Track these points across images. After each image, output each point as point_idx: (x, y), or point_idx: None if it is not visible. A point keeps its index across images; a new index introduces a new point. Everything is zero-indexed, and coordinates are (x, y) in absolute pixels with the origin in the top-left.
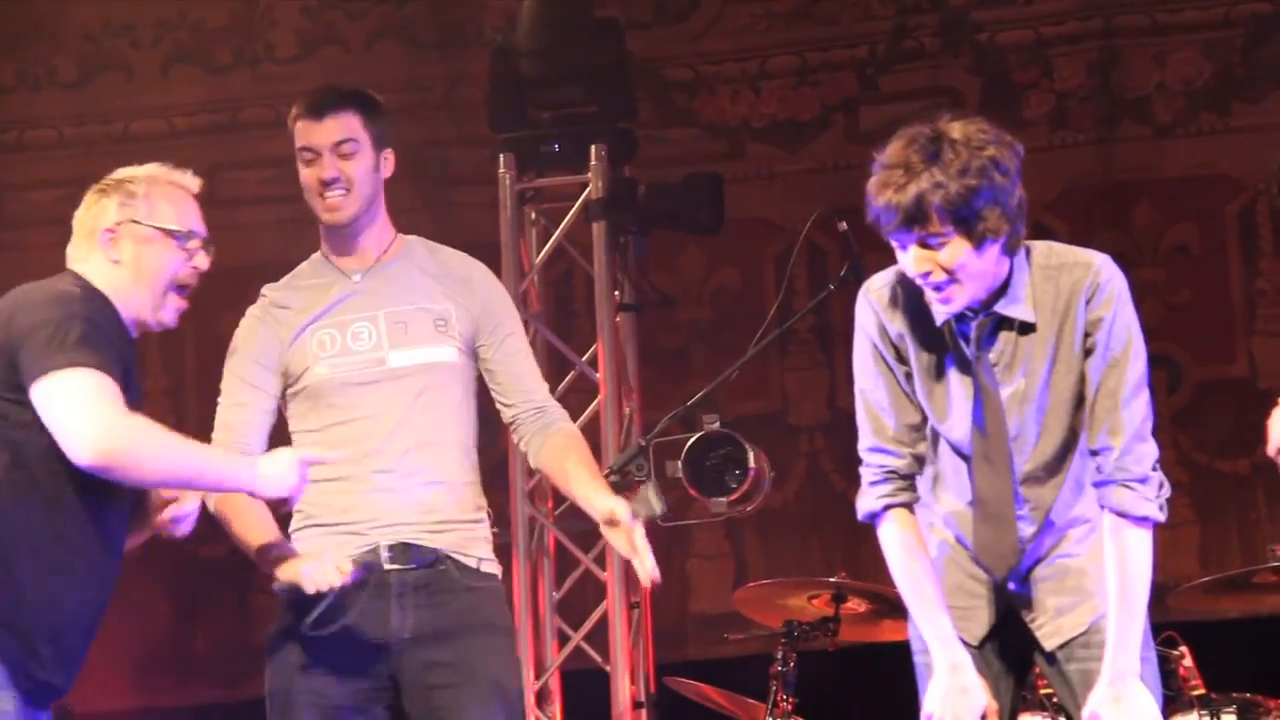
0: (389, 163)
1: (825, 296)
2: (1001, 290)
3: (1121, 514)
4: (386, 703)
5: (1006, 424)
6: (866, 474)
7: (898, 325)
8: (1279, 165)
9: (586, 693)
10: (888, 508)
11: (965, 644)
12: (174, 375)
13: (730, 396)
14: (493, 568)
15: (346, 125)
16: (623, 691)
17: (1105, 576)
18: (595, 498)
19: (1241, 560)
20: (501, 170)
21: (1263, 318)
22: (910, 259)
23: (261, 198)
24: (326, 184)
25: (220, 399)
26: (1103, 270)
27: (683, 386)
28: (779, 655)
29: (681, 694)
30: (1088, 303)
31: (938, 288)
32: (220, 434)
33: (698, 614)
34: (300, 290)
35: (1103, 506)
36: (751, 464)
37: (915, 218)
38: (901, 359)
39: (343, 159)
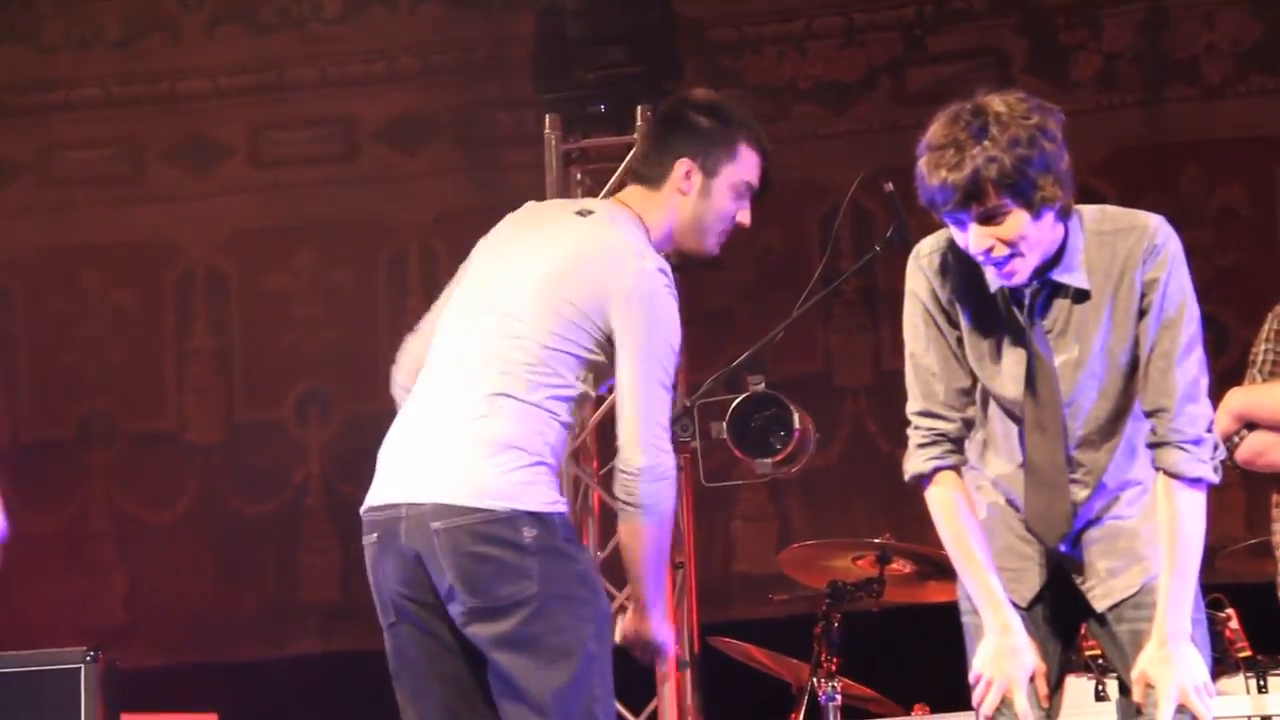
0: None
1: (870, 258)
2: (1056, 257)
3: (1175, 475)
4: None
5: (1060, 392)
6: (915, 436)
7: (949, 291)
8: None
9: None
10: (936, 470)
11: (1014, 605)
12: (221, 335)
13: (775, 358)
14: None
15: None
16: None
17: (1157, 538)
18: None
19: None
20: (547, 131)
21: None
22: (971, 237)
23: (306, 158)
24: (740, 225)
25: None
26: (1159, 232)
27: (728, 348)
28: (823, 616)
29: (726, 654)
30: (1144, 265)
31: (1000, 263)
32: None
33: (742, 574)
34: None
35: (1156, 468)
36: (796, 425)
37: (973, 194)
38: (953, 323)
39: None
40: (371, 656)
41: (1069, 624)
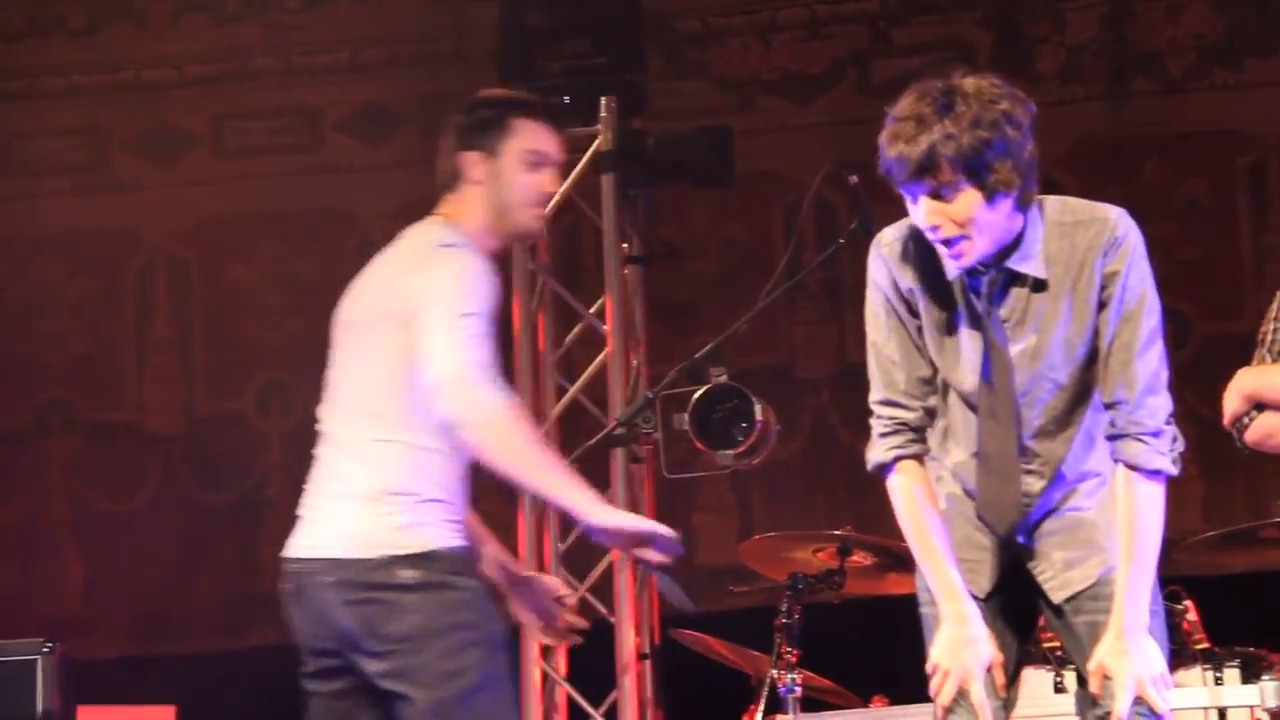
0: None
1: (834, 251)
2: (1014, 246)
3: (1134, 467)
4: None
5: (1014, 381)
6: (877, 426)
7: (909, 279)
8: None
9: (591, 644)
10: (897, 459)
11: (972, 596)
12: (183, 325)
13: (738, 350)
14: None
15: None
16: (627, 643)
17: (1115, 530)
18: None
19: (1247, 515)
20: None
21: (1272, 273)
22: (921, 211)
23: (269, 148)
24: (547, 195)
25: None
26: (1120, 224)
27: (690, 340)
28: (784, 608)
29: (686, 645)
30: (1104, 257)
31: (949, 242)
32: None
33: (703, 566)
34: None
35: (1115, 460)
36: (758, 417)
37: (926, 168)
38: (913, 312)
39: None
40: None
41: (1027, 615)
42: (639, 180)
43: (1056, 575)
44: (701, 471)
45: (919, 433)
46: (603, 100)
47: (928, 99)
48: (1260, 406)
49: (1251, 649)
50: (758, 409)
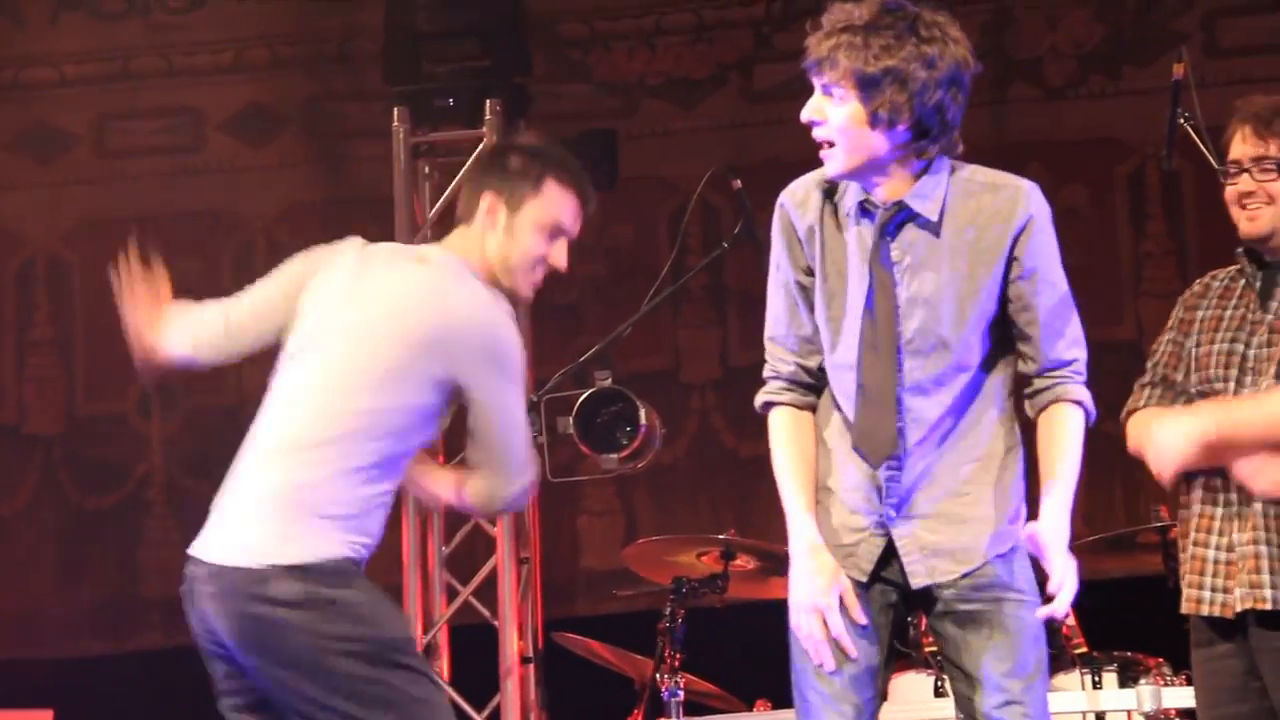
0: None
1: (718, 255)
2: (911, 186)
3: (1059, 401)
4: None
5: (898, 316)
6: (765, 367)
7: (809, 218)
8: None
9: (474, 648)
10: (768, 404)
11: (855, 582)
12: (63, 326)
13: (622, 354)
14: None
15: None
16: (511, 646)
17: (987, 522)
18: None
19: (1125, 520)
20: (395, 124)
21: (1149, 280)
22: (810, 102)
23: (151, 148)
24: (554, 268)
25: None
26: (1032, 195)
27: (575, 343)
28: (667, 612)
29: (569, 649)
30: (1016, 228)
31: (819, 141)
32: None
33: (587, 570)
34: None
35: (1039, 410)
36: (643, 421)
37: (824, 63)
38: (808, 269)
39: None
40: None
41: (904, 600)
42: None
43: (922, 561)
44: (586, 475)
45: (793, 384)
46: (488, 103)
47: (878, 9)
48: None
49: (1129, 653)
50: (642, 413)
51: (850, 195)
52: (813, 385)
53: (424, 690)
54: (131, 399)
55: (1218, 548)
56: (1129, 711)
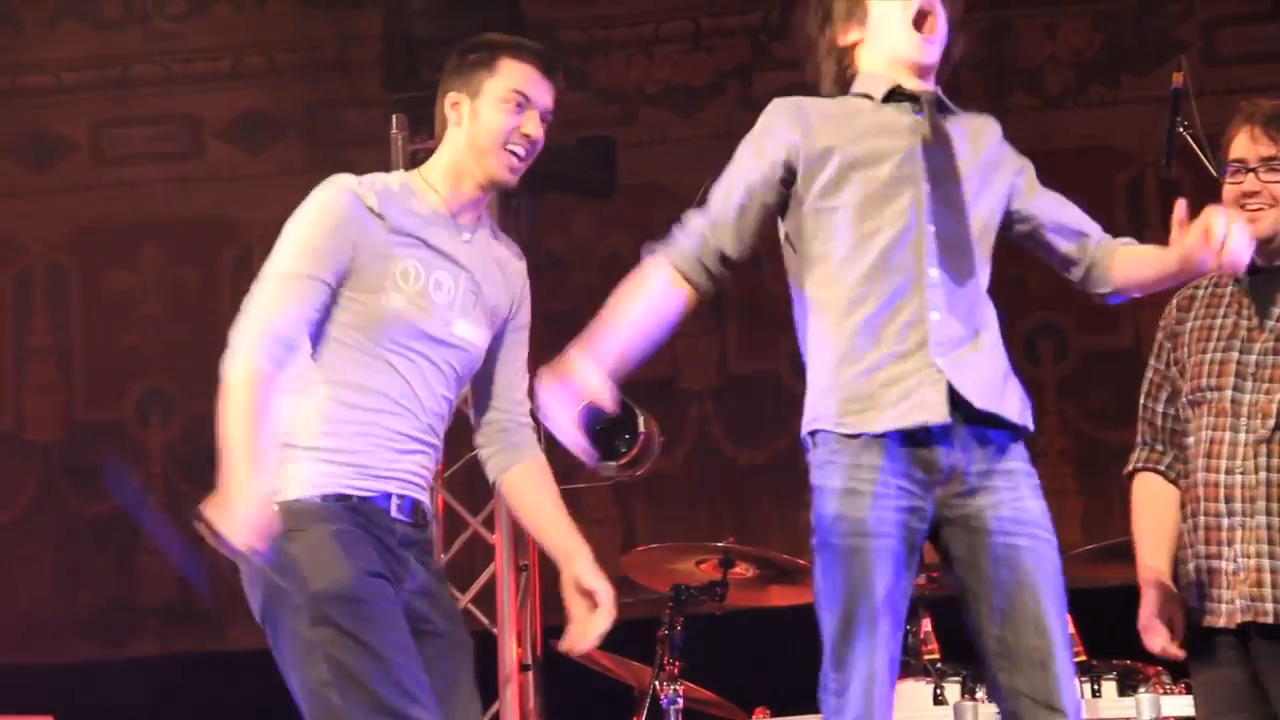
0: None
1: None
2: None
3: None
4: None
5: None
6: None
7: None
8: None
9: (473, 655)
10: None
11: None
12: (62, 333)
13: None
14: None
15: (554, 96)
16: (509, 654)
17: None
18: (579, 563)
19: (1123, 529)
20: (394, 131)
21: None
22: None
23: (149, 155)
24: (527, 137)
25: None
26: None
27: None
28: (666, 619)
29: (568, 657)
30: (1010, 147)
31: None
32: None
33: None
34: (407, 214)
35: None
36: (641, 429)
37: None
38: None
39: (540, 124)
40: (210, 658)
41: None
42: (521, 190)
43: (974, 390)
44: (584, 483)
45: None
46: None
47: None
48: None
49: (1128, 662)
50: (641, 420)
51: None
52: None
53: (341, 660)
54: (129, 407)
55: (1220, 559)
56: None
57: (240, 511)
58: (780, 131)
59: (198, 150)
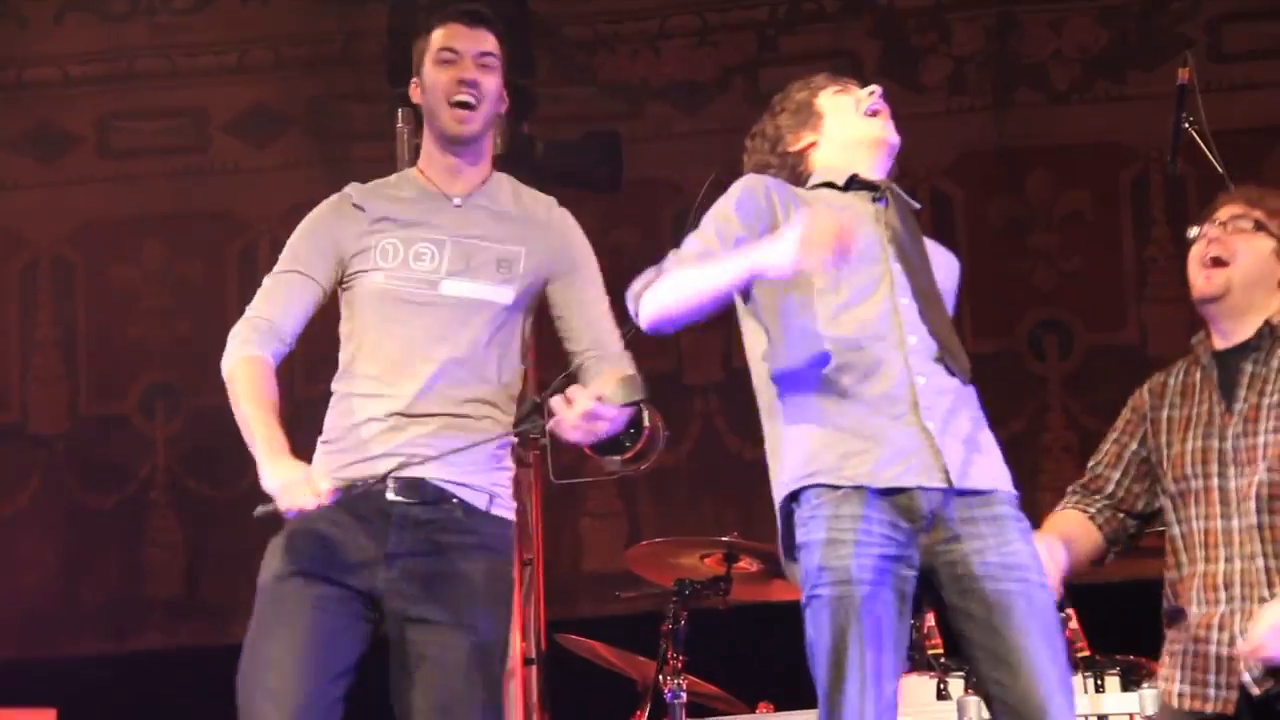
0: (505, 99)
1: None
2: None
3: None
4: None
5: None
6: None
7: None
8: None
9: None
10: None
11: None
12: (66, 326)
13: None
14: (504, 510)
15: (492, 40)
16: (514, 648)
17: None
18: (596, 383)
19: None
20: (399, 125)
21: (1154, 285)
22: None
23: (156, 149)
24: (464, 83)
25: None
26: None
27: None
28: (670, 613)
29: (572, 651)
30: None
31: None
32: (259, 308)
33: (590, 572)
34: (390, 200)
35: None
36: (646, 423)
37: None
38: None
39: (481, 70)
40: (215, 652)
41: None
42: (527, 185)
43: (959, 459)
44: (589, 477)
45: None
46: None
47: None
48: None
49: (1131, 657)
50: (645, 415)
51: None
52: None
53: (254, 656)
54: (134, 400)
55: (1212, 643)
56: (1131, 715)
57: (280, 481)
58: (746, 214)
59: (203, 144)
